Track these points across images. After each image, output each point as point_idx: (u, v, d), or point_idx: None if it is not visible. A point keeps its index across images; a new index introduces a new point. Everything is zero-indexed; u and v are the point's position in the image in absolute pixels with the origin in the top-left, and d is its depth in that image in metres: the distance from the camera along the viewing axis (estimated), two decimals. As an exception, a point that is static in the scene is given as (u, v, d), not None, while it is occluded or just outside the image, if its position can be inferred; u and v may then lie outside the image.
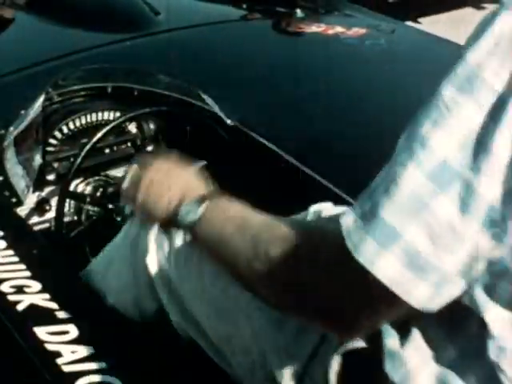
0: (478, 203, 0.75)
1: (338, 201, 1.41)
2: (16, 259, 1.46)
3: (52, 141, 1.87)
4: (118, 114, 1.94)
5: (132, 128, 1.95)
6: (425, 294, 0.77)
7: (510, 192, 0.75)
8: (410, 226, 0.76)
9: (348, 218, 0.81)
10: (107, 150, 1.92)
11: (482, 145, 0.75)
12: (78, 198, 1.80)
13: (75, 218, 1.79)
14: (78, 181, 1.82)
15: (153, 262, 1.31)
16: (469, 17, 5.80)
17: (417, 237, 0.76)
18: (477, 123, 0.76)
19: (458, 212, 0.76)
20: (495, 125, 0.75)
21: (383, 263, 0.76)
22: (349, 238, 0.79)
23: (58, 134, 1.88)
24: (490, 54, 0.76)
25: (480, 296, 0.82)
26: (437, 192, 0.76)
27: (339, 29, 2.55)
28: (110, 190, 1.79)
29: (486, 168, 0.75)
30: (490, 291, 0.82)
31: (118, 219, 1.74)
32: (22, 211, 1.73)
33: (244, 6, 2.69)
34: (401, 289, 0.77)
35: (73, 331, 1.27)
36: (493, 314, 0.83)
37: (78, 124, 1.90)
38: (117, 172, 1.88)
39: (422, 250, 0.76)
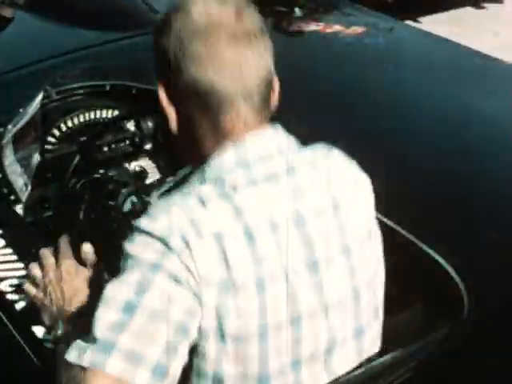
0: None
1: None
2: (14, 258, 1.46)
3: (50, 139, 1.86)
4: (116, 112, 1.94)
5: (130, 126, 1.94)
6: (145, 376, 1.07)
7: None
8: (121, 336, 1.08)
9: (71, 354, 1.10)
10: (105, 148, 1.91)
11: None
12: (77, 196, 1.80)
13: (73, 216, 1.79)
14: (76, 179, 1.82)
15: None
16: (469, 16, 5.80)
17: (127, 343, 1.07)
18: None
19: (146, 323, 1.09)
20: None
21: (110, 364, 1.06)
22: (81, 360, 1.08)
23: (56, 131, 1.88)
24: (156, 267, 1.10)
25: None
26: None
27: (338, 27, 2.55)
28: (109, 188, 1.79)
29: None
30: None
31: (117, 217, 1.74)
32: (20, 209, 1.73)
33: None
34: (127, 376, 1.06)
35: (71, 329, 1.27)
36: None
37: (76, 122, 1.90)
38: (115, 170, 1.88)
39: (131, 351, 1.07)
